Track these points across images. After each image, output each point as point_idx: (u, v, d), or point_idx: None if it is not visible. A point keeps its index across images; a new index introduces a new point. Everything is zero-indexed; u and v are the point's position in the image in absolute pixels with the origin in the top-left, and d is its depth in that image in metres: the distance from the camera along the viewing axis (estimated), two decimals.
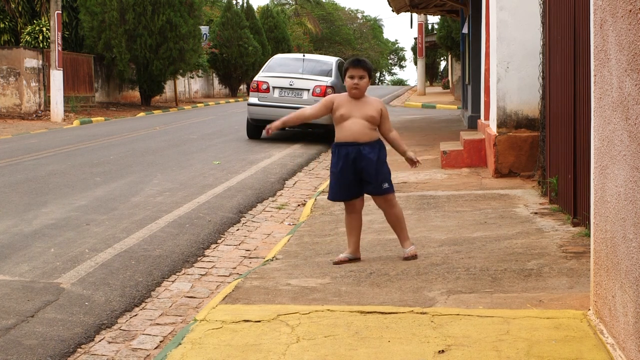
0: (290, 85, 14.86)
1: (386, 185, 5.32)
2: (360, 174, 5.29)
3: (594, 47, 3.67)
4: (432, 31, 42.80)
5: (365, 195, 5.46)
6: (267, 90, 14.93)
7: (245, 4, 42.40)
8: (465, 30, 17.60)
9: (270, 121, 5.76)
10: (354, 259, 5.39)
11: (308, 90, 14.78)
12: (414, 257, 5.34)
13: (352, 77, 5.27)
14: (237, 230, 7.23)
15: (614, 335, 3.36)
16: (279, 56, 17.32)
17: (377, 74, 79.75)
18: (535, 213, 6.76)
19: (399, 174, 9.36)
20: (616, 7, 3.17)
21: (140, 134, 16.65)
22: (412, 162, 5.47)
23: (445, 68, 53.47)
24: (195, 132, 17.24)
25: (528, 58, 8.54)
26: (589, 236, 4.35)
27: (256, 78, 15.41)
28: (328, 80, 14.91)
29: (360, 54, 64.76)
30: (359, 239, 5.44)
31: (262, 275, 5.10)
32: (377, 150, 5.29)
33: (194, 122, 20.37)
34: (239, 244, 6.68)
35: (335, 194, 5.41)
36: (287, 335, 3.80)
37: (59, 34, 21.31)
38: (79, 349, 4.19)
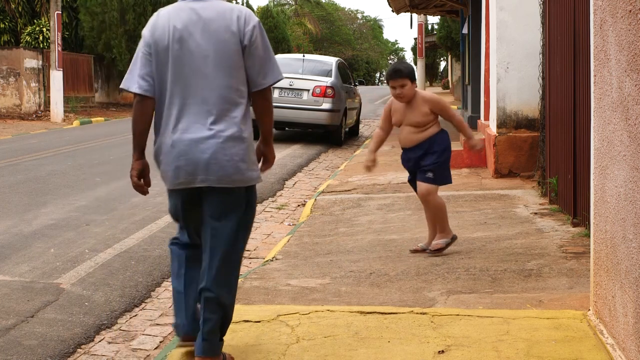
0: (290, 85, 14.81)
1: (430, 175, 5.43)
2: (415, 170, 5.47)
3: (594, 47, 3.67)
4: (432, 31, 42.73)
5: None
6: None
7: (245, 4, 42.41)
8: (465, 30, 17.59)
9: None
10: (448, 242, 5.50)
11: (308, 90, 14.74)
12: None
13: (394, 88, 5.31)
14: None
15: (614, 336, 3.36)
16: (279, 56, 17.24)
17: (377, 75, 79.76)
18: (535, 213, 6.76)
19: (399, 175, 9.36)
20: (616, 7, 3.17)
21: None
22: (472, 147, 5.48)
23: (445, 68, 53.47)
24: None
25: (528, 58, 8.54)
26: (589, 236, 4.35)
27: None
28: (328, 81, 14.88)
29: (360, 54, 64.76)
30: (435, 226, 5.53)
31: (262, 275, 5.10)
32: (423, 149, 5.41)
33: None
34: None
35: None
36: (287, 335, 3.80)
37: (59, 34, 21.30)
38: (78, 349, 4.19)
